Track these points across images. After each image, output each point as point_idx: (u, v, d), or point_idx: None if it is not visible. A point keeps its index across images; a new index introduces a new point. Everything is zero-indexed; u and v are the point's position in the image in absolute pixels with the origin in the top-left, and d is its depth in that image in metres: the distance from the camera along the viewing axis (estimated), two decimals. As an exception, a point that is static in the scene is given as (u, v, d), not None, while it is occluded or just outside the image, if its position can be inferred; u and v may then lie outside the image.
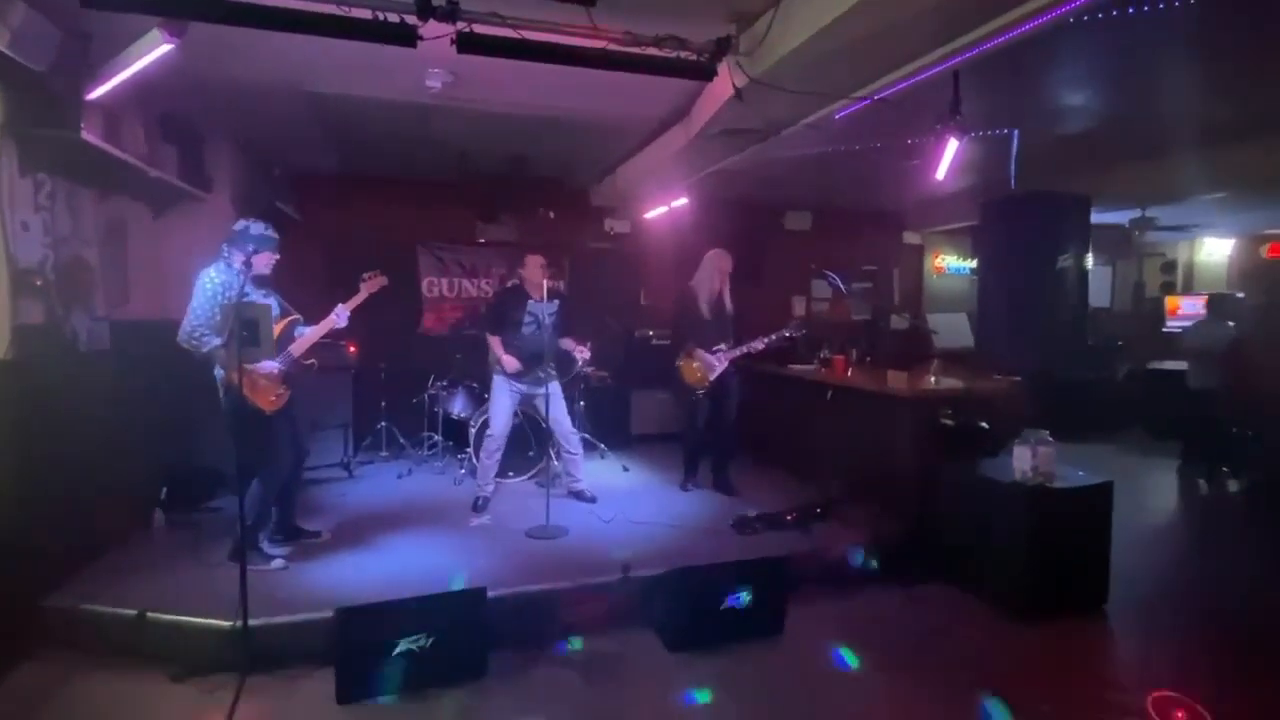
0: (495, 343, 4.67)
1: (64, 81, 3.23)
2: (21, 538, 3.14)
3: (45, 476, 3.30)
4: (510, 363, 4.59)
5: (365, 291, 3.88)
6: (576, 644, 3.30)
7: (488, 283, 7.21)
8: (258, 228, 3.58)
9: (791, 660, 3.23)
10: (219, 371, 3.47)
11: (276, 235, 3.66)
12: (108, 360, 3.94)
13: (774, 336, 5.00)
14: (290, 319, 3.76)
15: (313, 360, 3.84)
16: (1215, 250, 10.06)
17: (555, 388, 4.70)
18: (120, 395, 3.96)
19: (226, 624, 2.97)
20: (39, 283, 3.36)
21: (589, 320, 5.85)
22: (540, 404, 4.72)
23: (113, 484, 3.87)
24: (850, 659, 3.21)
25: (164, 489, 4.38)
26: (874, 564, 4.07)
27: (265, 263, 3.62)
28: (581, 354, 4.74)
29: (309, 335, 3.75)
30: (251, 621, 2.87)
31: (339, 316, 3.78)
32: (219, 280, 3.42)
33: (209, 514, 4.48)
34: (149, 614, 3.09)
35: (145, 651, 3.03)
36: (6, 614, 3.05)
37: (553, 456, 4.91)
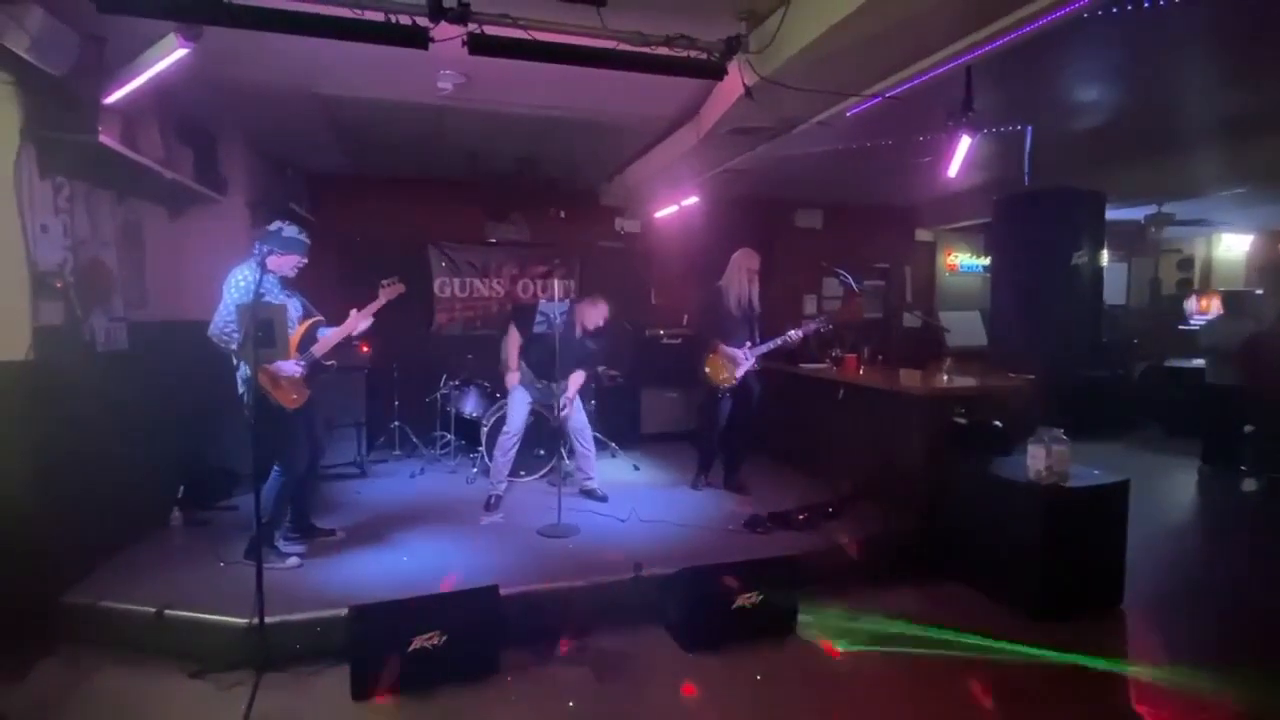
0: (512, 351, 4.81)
1: (82, 85, 3.28)
2: (42, 535, 3.19)
3: (65, 475, 3.35)
4: (513, 378, 4.76)
5: (384, 298, 3.91)
6: (591, 639, 3.31)
7: (499, 282, 7.24)
8: (290, 230, 3.66)
9: (804, 659, 3.22)
10: (243, 369, 3.51)
11: (307, 240, 3.73)
12: (126, 361, 3.99)
13: (801, 331, 4.97)
14: (313, 320, 3.82)
15: (333, 360, 3.89)
16: (1234, 246, 9.93)
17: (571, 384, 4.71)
18: (138, 395, 4.00)
19: (243, 621, 3.01)
20: (59, 285, 3.41)
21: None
22: (557, 401, 4.74)
23: (131, 483, 3.92)
24: (861, 665, 3.20)
25: (181, 488, 4.44)
26: (886, 563, 4.06)
27: (291, 265, 3.69)
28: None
29: (330, 336, 3.80)
30: (268, 619, 2.90)
31: (354, 320, 3.81)
32: (252, 279, 3.47)
33: (225, 512, 4.53)
34: (167, 611, 3.14)
35: (163, 648, 3.07)
36: (28, 610, 3.11)
37: (564, 455, 4.93)
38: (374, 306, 3.87)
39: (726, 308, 4.93)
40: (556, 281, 4.64)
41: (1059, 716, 2.80)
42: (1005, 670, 3.13)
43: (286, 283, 3.73)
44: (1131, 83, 4.46)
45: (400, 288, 3.92)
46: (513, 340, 4.80)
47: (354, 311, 3.81)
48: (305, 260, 3.75)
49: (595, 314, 4.90)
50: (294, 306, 3.73)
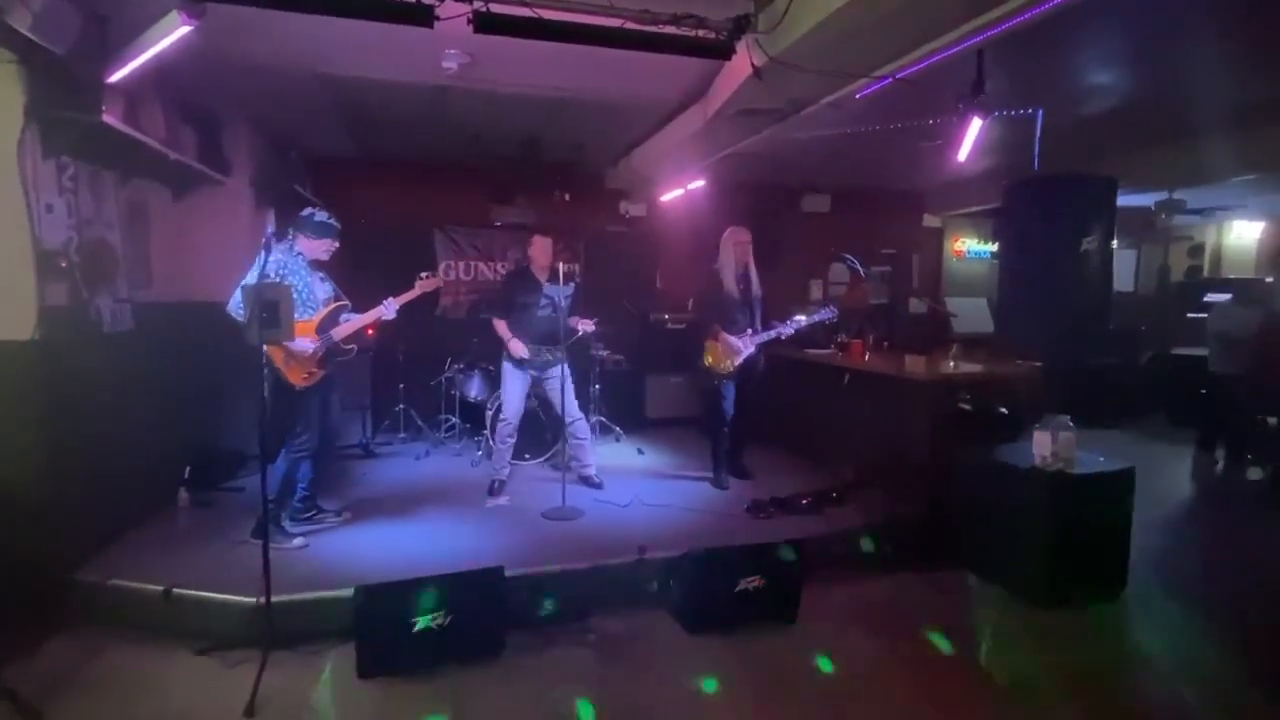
0: (502, 326, 4.67)
1: (85, 65, 3.25)
2: (51, 514, 3.22)
3: (73, 455, 3.37)
4: (518, 348, 4.59)
5: (419, 290, 3.99)
6: (595, 621, 3.34)
7: (503, 266, 7.23)
8: (321, 215, 3.79)
9: (806, 643, 3.23)
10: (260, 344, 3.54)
11: (338, 224, 3.81)
12: (131, 341, 4.00)
13: (804, 321, 4.90)
14: (339, 304, 3.85)
15: (352, 345, 3.91)
16: (1245, 233, 9.84)
17: (565, 371, 4.70)
18: (144, 376, 4.02)
19: (250, 600, 3.03)
20: (64, 264, 3.40)
21: (604, 304, 5.84)
22: (550, 386, 4.73)
23: (138, 463, 3.95)
24: (863, 650, 3.21)
25: (187, 468, 4.45)
26: (889, 549, 4.06)
27: (324, 249, 3.79)
28: (585, 326, 4.69)
29: (354, 321, 3.84)
30: (274, 598, 2.92)
31: (387, 308, 3.86)
32: (274, 260, 3.53)
33: (231, 493, 4.56)
34: (175, 590, 3.16)
35: (171, 626, 3.10)
36: (38, 588, 3.13)
37: (568, 440, 4.93)
38: (407, 297, 3.93)
39: (726, 291, 4.85)
40: (561, 265, 4.60)
41: (1062, 703, 2.81)
42: (1009, 656, 3.13)
43: (319, 265, 3.81)
44: (1144, 67, 4.39)
45: (438, 281, 3.99)
46: (500, 326, 4.69)
47: (388, 300, 3.87)
48: (337, 244, 3.83)
49: (540, 253, 4.71)
50: (325, 290, 3.82)
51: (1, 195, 3.11)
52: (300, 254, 3.74)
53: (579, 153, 6.57)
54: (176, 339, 4.38)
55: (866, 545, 4.05)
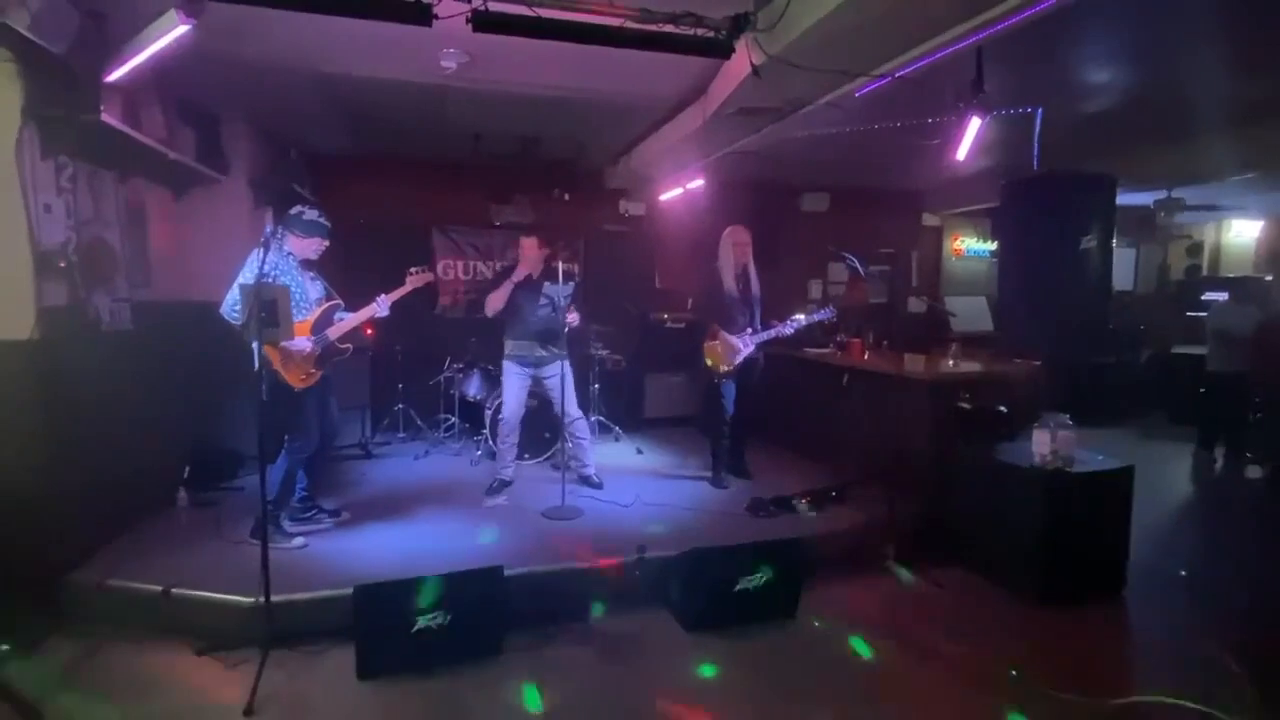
0: (497, 295, 4.64)
1: (83, 64, 3.24)
2: (50, 514, 3.22)
3: (72, 455, 3.36)
4: (524, 268, 4.58)
5: (410, 285, 3.95)
6: (594, 620, 3.34)
7: (502, 265, 7.21)
8: (310, 214, 3.73)
9: (805, 642, 3.24)
10: (256, 345, 3.53)
11: (328, 223, 3.77)
12: (130, 341, 4.00)
13: (804, 320, 4.89)
14: (331, 303, 3.84)
15: (348, 345, 3.89)
16: (1243, 231, 9.85)
17: (567, 370, 4.70)
18: (143, 376, 4.02)
19: (249, 600, 3.03)
20: (62, 264, 3.40)
21: (603, 303, 5.85)
22: (550, 384, 4.72)
23: (137, 462, 3.94)
24: (863, 648, 3.22)
25: (186, 468, 4.45)
26: (889, 547, 4.06)
27: (314, 248, 3.76)
28: (571, 320, 4.62)
29: (348, 320, 3.82)
30: (273, 598, 2.92)
31: (380, 305, 3.84)
32: (260, 260, 3.49)
33: (231, 493, 4.55)
34: (174, 589, 3.16)
35: (170, 626, 3.10)
36: (37, 588, 3.13)
37: (567, 439, 4.93)
38: (399, 293, 3.90)
39: (726, 290, 4.85)
40: (560, 264, 4.60)
41: (1060, 701, 2.81)
42: (1007, 654, 3.13)
43: (309, 265, 3.78)
44: (1143, 65, 4.39)
45: (429, 276, 3.95)
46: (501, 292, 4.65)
47: (380, 297, 3.84)
48: (327, 242, 3.80)
49: (526, 254, 4.72)
50: (316, 289, 3.80)
51: None
52: (290, 253, 3.69)
53: (578, 152, 6.57)
54: (176, 338, 4.38)
55: (866, 544, 4.04)
